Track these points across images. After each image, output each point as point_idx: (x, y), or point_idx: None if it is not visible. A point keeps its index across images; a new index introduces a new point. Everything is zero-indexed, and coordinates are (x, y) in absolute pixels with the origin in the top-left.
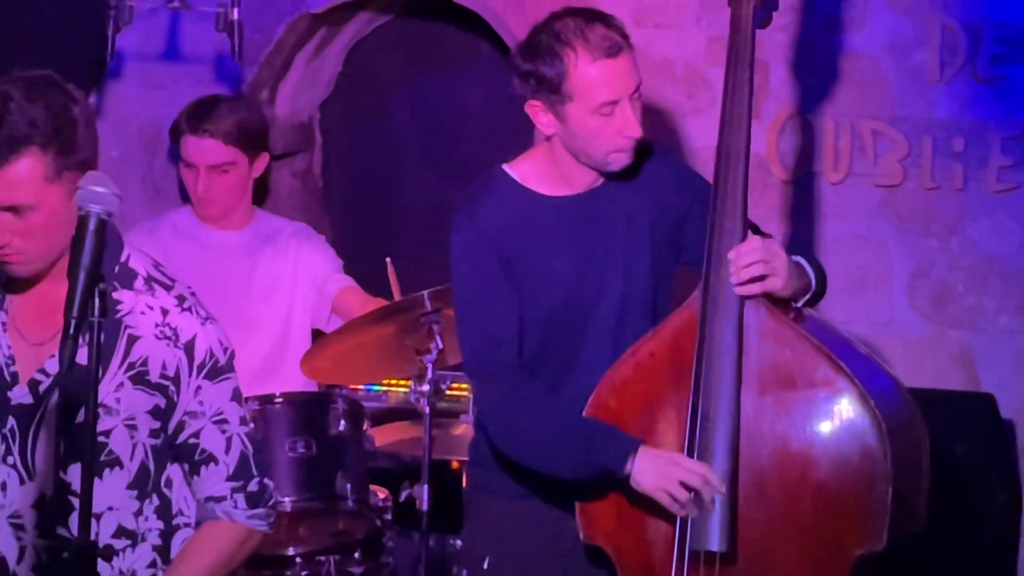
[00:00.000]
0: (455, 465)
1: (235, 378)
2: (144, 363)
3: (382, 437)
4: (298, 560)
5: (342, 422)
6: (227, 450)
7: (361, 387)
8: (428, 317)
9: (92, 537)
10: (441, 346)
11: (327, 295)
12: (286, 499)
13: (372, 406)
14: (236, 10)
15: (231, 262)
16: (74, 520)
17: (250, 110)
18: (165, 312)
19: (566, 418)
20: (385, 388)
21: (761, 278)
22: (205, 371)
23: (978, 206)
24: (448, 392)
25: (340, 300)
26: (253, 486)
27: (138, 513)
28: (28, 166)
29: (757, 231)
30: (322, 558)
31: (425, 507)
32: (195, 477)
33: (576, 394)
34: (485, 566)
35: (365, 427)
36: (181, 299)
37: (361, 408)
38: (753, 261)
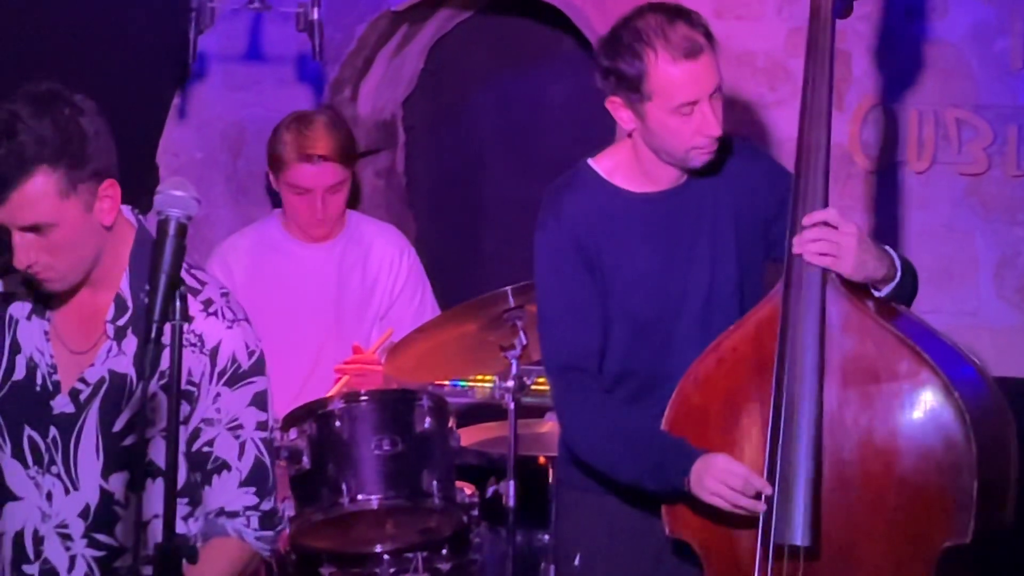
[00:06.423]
0: (542, 461)
1: (260, 382)
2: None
3: (470, 436)
4: (386, 557)
5: (428, 419)
6: (240, 455)
7: (447, 383)
8: (511, 313)
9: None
10: (525, 342)
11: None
12: (373, 497)
13: (458, 402)
14: (316, 10)
15: (321, 275)
16: (119, 529)
17: (341, 123)
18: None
19: (635, 436)
20: (472, 384)
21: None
22: (226, 377)
23: None
24: (533, 387)
25: None
26: (268, 505)
27: (187, 516)
28: (41, 184)
29: None
30: (410, 555)
31: (511, 503)
32: (207, 487)
33: (668, 392)
34: (576, 563)
35: (451, 424)
36: (208, 303)
37: (446, 405)
38: (818, 239)
